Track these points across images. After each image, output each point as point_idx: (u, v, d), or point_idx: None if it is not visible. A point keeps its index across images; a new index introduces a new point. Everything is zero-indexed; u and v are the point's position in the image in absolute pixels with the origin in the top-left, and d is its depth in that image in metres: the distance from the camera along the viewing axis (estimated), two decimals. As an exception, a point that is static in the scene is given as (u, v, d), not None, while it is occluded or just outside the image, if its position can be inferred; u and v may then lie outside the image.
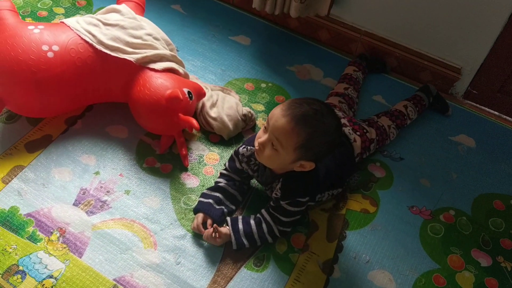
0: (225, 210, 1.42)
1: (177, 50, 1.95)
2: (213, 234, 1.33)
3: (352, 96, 1.72)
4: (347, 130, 1.50)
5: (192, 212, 1.45)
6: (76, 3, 2.10)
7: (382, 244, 1.47)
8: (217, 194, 1.43)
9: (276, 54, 2.02)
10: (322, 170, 1.35)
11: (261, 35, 2.09)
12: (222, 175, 1.48)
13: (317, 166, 1.27)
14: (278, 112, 1.18)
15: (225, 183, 1.44)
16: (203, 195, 1.44)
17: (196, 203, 1.44)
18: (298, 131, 1.16)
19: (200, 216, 1.39)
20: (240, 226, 1.35)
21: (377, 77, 1.97)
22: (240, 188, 1.47)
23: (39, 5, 2.07)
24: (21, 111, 1.56)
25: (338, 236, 1.47)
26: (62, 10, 2.05)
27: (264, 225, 1.35)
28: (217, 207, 1.41)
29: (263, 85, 1.88)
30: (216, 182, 1.46)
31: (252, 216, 1.38)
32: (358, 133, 1.52)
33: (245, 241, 1.34)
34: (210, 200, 1.41)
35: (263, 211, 1.38)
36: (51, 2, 2.09)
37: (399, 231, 1.50)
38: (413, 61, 1.94)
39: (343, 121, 1.52)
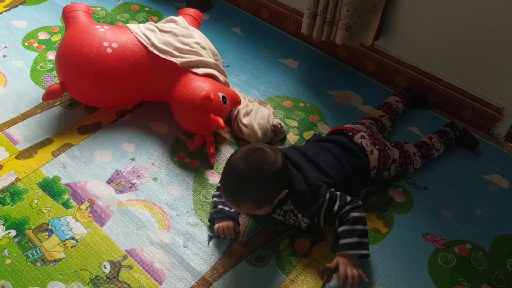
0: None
1: (228, 66, 2.12)
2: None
3: (385, 124, 1.76)
4: (364, 142, 1.54)
5: (209, 206, 1.55)
6: (150, 18, 2.37)
7: (387, 264, 1.46)
8: None
9: (320, 78, 2.12)
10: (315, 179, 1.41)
11: (309, 61, 2.21)
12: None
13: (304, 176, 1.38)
14: (222, 192, 1.36)
15: None
16: (219, 203, 1.49)
17: (217, 211, 1.48)
18: (243, 205, 1.32)
19: (231, 223, 1.46)
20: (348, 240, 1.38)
21: (418, 110, 1.99)
22: None
23: (118, 17, 2.36)
24: (79, 98, 1.78)
25: (343, 249, 1.49)
26: (136, 23, 2.32)
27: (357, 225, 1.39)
28: (232, 210, 1.50)
29: (301, 104, 1.98)
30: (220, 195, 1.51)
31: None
32: (377, 147, 1.55)
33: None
34: (228, 208, 1.49)
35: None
36: (129, 15, 2.38)
37: (407, 254, 1.49)
38: (455, 97, 1.94)
39: (363, 134, 1.56)
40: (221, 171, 1.68)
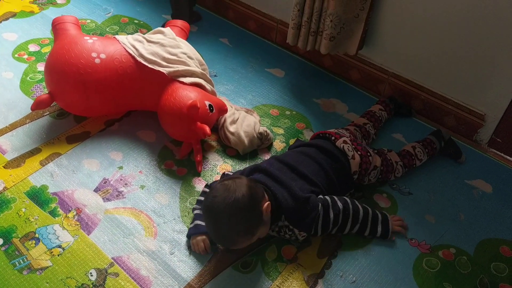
0: None
1: (215, 75, 2.15)
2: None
3: (369, 131, 1.79)
4: (346, 147, 1.57)
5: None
6: (139, 31, 2.40)
7: (372, 268, 1.48)
8: None
9: (306, 87, 2.15)
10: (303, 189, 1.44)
11: (295, 70, 2.25)
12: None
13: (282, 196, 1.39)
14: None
15: None
16: (199, 217, 1.48)
17: (193, 226, 1.48)
18: (238, 243, 1.34)
19: (206, 239, 1.46)
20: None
21: (402, 117, 2.02)
22: None
23: (107, 29, 2.39)
24: (68, 108, 1.80)
25: (329, 254, 1.51)
26: (125, 35, 2.35)
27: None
28: None
29: (287, 112, 2.01)
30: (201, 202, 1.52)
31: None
32: (359, 152, 1.58)
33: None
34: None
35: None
36: (118, 28, 2.41)
37: (392, 259, 1.51)
38: (438, 104, 1.98)
39: (345, 139, 1.59)
40: (208, 178, 1.70)
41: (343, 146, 1.57)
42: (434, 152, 1.78)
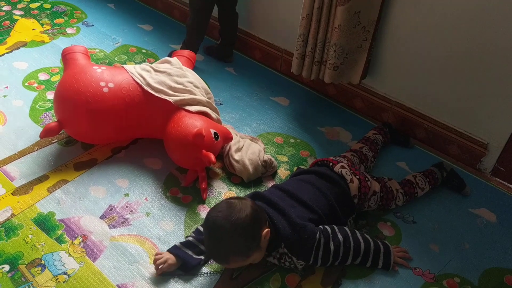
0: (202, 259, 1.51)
1: (221, 104, 2.19)
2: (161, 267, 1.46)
3: (366, 154, 1.81)
4: (344, 171, 1.59)
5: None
6: (147, 60, 2.46)
7: (376, 297, 1.48)
8: (198, 249, 1.49)
9: (311, 116, 2.18)
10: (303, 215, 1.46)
11: (300, 99, 2.28)
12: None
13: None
14: None
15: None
16: (183, 243, 1.50)
17: (175, 246, 1.49)
18: (232, 262, 1.36)
19: (173, 264, 1.46)
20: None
21: (401, 146, 2.04)
22: None
23: (116, 58, 2.45)
24: (76, 136, 1.84)
25: (333, 283, 1.51)
26: (133, 64, 2.40)
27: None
28: (195, 256, 1.49)
29: (292, 140, 2.04)
30: (200, 233, 1.52)
31: None
32: (357, 176, 1.60)
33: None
34: (190, 252, 1.49)
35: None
36: (126, 57, 2.47)
37: (396, 288, 1.51)
38: (441, 133, 2.00)
39: (343, 164, 1.61)
40: (212, 205, 1.71)
41: (341, 171, 1.59)
42: (436, 182, 1.79)
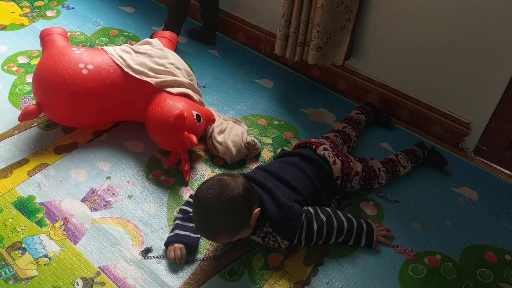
0: (200, 238, 1.51)
1: (204, 86, 2.17)
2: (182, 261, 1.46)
3: (349, 134, 1.81)
4: (327, 153, 1.59)
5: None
6: (128, 43, 2.42)
7: (359, 275, 1.49)
8: (192, 225, 1.48)
9: (295, 97, 2.17)
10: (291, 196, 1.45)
11: (284, 81, 2.27)
12: (191, 204, 1.47)
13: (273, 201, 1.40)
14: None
15: None
16: (179, 227, 1.49)
17: (172, 234, 1.48)
18: (219, 238, 1.34)
19: (183, 248, 1.46)
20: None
21: (383, 127, 2.04)
22: None
23: (97, 41, 2.41)
24: (56, 119, 1.81)
25: (315, 262, 1.51)
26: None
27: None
28: (193, 236, 1.50)
29: (276, 122, 2.03)
30: (186, 212, 1.52)
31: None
32: (340, 158, 1.60)
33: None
34: (186, 232, 1.49)
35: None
36: (108, 40, 2.43)
37: (378, 266, 1.52)
38: (424, 113, 2.01)
39: (325, 146, 1.61)
40: (195, 188, 1.70)
41: (324, 153, 1.59)
42: (418, 160, 1.80)
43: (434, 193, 1.77)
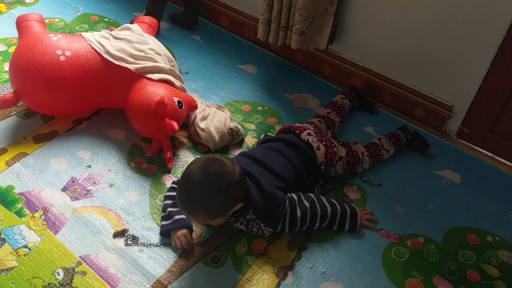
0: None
1: (187, 73, 2.14)
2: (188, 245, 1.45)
3: (333, 119, 1.80)
4: (311, 138, 1.58)
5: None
6: (109, 29, 2.37)
7: (342, 259, 1.49)
8: None
9: (279, 83, 2.15)
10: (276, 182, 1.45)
11: (268, 66, 2.25)
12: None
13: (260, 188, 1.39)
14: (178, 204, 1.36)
15: None
16: (174, 213, 1.47)
17: (172, 222, 1.46)
18: (197, 214, 1.32)
19: (187, 233, 1.45)
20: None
21: (367, 112, 2.04)
22: None
23: (77, 28, 2.36)
24: (34, 107, 1.77)
25: (299, 247, 1.51)
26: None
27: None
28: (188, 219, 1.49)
29: (259, 108, 2.01)
30: (173, 197, 1.49)
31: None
32: (324, 143, 1.60)
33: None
34: (184, 216, 1.47)
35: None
36: (88, 26, 2.38)
37: (361, 249, 1.52)
38: (407, 97, 2.00)
39: (309, 131, 1.60)
40: (178, 175, 1.69)
41: (308, 138, 1.58)
42: (401, 144, 1.80)
43: (417, 176, 1.78)
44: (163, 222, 1.48)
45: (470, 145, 1.93)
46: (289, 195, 1.45)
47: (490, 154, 1.89)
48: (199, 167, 1.30)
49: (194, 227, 1.51)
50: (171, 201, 1.50)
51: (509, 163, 1.85)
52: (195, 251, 1.46)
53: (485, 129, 1.86)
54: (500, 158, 1.87)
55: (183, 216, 1.47)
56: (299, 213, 1.43)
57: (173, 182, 1.58)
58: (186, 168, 1.33)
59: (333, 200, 1.53)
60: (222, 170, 1.29)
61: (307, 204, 1.46)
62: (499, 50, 1.67)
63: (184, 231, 1.45)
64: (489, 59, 1.71)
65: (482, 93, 1.79)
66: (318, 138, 1.60)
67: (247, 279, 1.41)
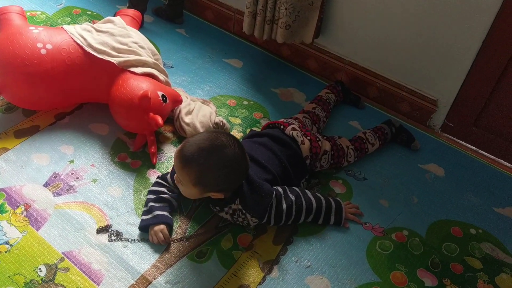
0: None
1: (172, 67, 2.12)
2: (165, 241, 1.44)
3: (318, 115, 1.80)
4: (295, 133, 1.58)
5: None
6: (92, 22, 2.33)
7: (327, 252, 1.49)
8: (167, 205, 1.49)
9: (264, 77, 2.14)
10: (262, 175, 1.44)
11: (253, 60, 2.23)
12: (161, 185, 1.53)
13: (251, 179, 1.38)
14: (175, 153, 1.31)
15: (169, 195, 1.51)
16: (155, 208, 1.47)
17: (151, 216, 1.46)
18: (188, 171, 1.28)
19: (165, 229, 1.44)
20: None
21: (352, 106, 2.04)
22: (178, 197, 1.53)
23: (59, 21, 2.32)
24: (15, 101, 1.74)
25: (284, 241, 1.51)
26: (76, 26, 2.28)
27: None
28: (170, 216, 1.49)
29: (245, 102, 2.00)
30: (157, 192, 1.51)
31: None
32: (308, 137, 1.60)
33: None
34: (165, 212, 1.47)
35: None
36: (70, 19, 2.34)
37: (346, 243, 1.52)
38: (392, 91, 2.01)
39: (294, 126, 1.60)
40: (163, 170, 1.68)
41: (292, 133, 1.58)
42: (386, 138, 1.81)
43: (402, 170, 1.79)
44: (143, 217, 1.47)
45: (454, 139, 1.95)
46: (275, 187, 1.45)
47: (474, 148, 1.91)
48: (230, 141, 1.29)
49: (176, 224, 1.49)
50: (154, 196, 1.49)
51: (492, 157, 1.87)
52: (180, 246, 1.45)
53: (469, 123, 1.88)
54: (483, 152, 1.89)
55: (164, 212, 1.46)
56: (284, 206, 1.43)
57: (158, 177, 1.56)
58: (203, 133, 1.34)
59: (319, 194, 1.53)
60: (240, 160, 1.30)
61: (292, 197, 1.45)
62: (483, 45, 1.68)
63: (162, 226, 1.44)
64: (473, 54, 1.72)
65: (466, 87, 1.81)
66: (302, 132, 1.60)
67: (232, 274, 1.41)
